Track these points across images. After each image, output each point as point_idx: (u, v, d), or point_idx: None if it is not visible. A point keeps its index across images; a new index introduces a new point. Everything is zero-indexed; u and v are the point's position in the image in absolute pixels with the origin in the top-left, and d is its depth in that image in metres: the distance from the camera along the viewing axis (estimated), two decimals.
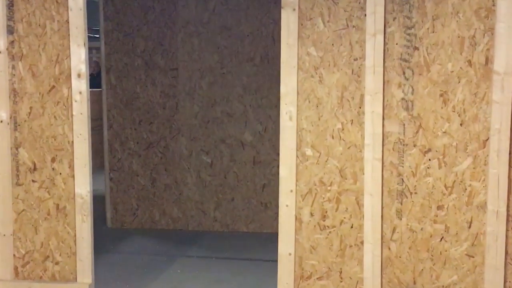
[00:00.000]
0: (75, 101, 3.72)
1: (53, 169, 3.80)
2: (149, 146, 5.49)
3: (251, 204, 5.40)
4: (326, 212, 3.45)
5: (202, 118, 5.39)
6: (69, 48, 3.71)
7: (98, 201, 6.22)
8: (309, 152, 3.46)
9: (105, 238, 5.31)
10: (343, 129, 3.41)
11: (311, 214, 3.47)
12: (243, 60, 5.28)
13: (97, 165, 9.99)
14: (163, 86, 5.41)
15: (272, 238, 5.25)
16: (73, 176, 3.77)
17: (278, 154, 5.36)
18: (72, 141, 3.75)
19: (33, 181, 3.83)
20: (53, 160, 3.79)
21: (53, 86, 3.76)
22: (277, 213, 5.45)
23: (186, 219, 5.51)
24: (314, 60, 3.42)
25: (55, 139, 3.78)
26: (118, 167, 5.55)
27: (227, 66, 5.31)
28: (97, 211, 6.05)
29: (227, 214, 5.45)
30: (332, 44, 3.39)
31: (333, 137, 3.42)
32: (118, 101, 5.49)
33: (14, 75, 3.79)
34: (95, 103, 10.19)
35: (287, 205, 3.49)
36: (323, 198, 3.45)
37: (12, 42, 3.78)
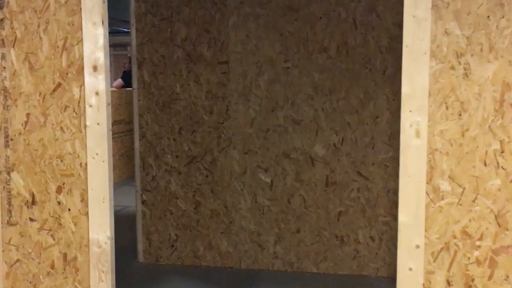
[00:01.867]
0: (90, 105, 2.56)
1: (59, 203, 2.65)
2: (192, 161, 4.31)
3: (322, 237, 4.17)
4: (473, 280, 2.21)
5: (260, 125, 4.19)
6: (81, 29, 2.55)
7: (128, 225, 5.14)
8: (446, 186, 2.22)
9: (134, 279, 4.15)
10: (502, 151, 2.16)
11: (449, 283, 2.23)
12: (314, 51, 4.05)
13: (128, 176, 8.93)
14: (209, 84, 4.22)
15: (350, 283, 4.03)
16: (87, 214, 2.61)
17: (358, 173, 4.13)
18: (86, 164, 2.59)
19: (31, 219, 2.69)
20: (59, 190, 2.64)
21: (59, 84, 2.61)
22: (356, 250, 4.25)
23: (238, 254, 4.31)
24: (456, 43, 2.17)
25: (61, 161, 2.63)
26: (152, 187, 4.39)
27: (292, 58, 4.09)
28: (126, 241, 4.97)
29: (291, 250, 4.23)
30: (488, 17, 2.14)
31: (485, 164, 2.18)
32: (153, 104, 4.32)
33: (5, 68, 2.66)
34: (128, 104, 9.15)
35: (410, 269, 2.25)
36: (468, 258, 2.21)
37: (1, 21, 2.64)
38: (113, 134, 8.77)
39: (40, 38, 2.61)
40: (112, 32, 15.21)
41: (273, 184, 4.22)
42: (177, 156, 4.32)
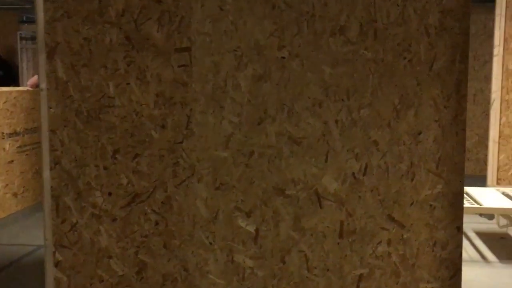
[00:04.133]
0: None
1: None
2: (133, 201, 2.81)
3: None
4: None
5: (240, 146, 2.74)
6: None
7: (43, 279, 3.57)
8: None
9: None
10: None
11: None
12: (324, 32, 2.65)
13: (32, 204, 7.24)
14: (161, 83, 2.74)
15: None
16: None
17: (389, 217, 2.74)
18: None
19: None
20: None
21: None
22: None
23: None
24: None
25: None
26: (71, 241, 2.85)
27: (291, 44, 2.67)
28: None
29: None
30: None
31: None
32: (72, 113, 2.79)
33: None
34: (32, 102, 7.46)
35: None
36: None
37: None
38: (25, 145, 7.07)
39: None
40: (30, 21, 13.32)
41: (259, 235, 2.78)
42: (110, 194, 2.80)
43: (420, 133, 2.66)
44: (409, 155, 2.68)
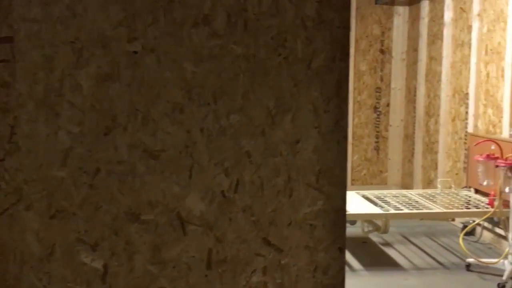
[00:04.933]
0: None
1: None
2: None
3: None
4: None
5: (81, 163, 2.18)
6: None
7: None
8: None
9: None
10: None
11: None
12: (185, 22, 2.19)
13: None
14: None
15: None
16: None
17: (264, 241, 2.34)
18: None
19: None
20: None
21: None
22: None
23: None
24: None
25: None
26: None
27: (144, 36, 2.17)
28: None
29: None
30: None
31: None
32: None
33: None
34: None
35: None
36: None
37: None
38: None
39: None
40: None
41: (109, 272, 2.24)
42: None
43: (298, 142, 2.29)
44: (286, 168, 2.30)
